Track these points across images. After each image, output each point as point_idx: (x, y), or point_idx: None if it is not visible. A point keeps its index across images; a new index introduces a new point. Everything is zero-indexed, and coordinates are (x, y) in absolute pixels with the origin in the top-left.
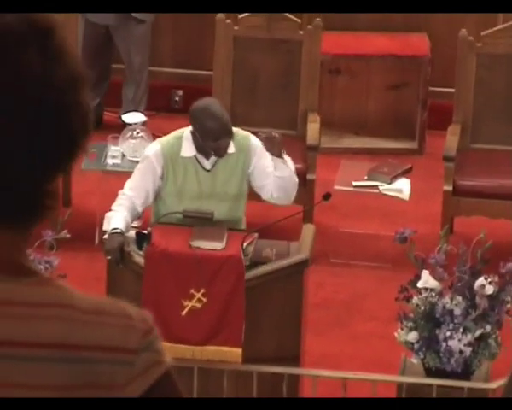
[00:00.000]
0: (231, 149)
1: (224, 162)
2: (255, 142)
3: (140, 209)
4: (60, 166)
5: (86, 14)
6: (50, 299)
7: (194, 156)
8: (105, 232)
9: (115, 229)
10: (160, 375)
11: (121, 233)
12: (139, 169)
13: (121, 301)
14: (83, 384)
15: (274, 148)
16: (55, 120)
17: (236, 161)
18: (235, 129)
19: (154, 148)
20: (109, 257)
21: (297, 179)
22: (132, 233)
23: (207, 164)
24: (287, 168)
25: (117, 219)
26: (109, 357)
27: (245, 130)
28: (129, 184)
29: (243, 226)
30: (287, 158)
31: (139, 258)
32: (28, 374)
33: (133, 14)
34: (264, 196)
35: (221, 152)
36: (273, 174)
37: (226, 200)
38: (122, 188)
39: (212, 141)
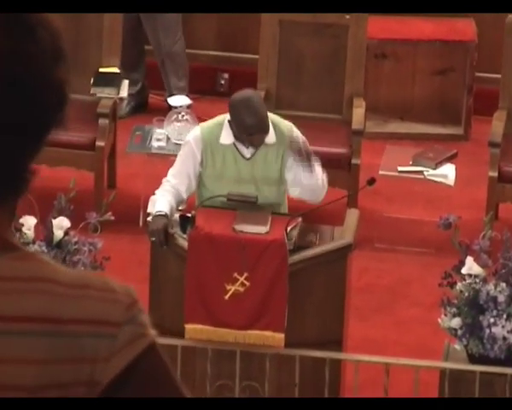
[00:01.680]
0: (272, 139)
1: (264, 152)
2: (297, 135)
3: (185, 196)
4: (36, 140)
5: None
6: (33, 273)
7: (233, 144)
8: (149, 215)
9: (160, 211)
10: (144, 348)
11: (165, 216)
12: (180, 155)
13: (104, 276)
14: (65, 358)
15: (303, 157)
16: (26, 94)
17: (277, 152)
18: (278, 119)
19: (194, 133)
20: (153, 239)
21: (326, 181)
22: (176, 216)
23: (247, 152)
24: (313, 177)
25: (162, 202)
26: (92, 330)
27: (290, 114)
28: (171, 171)
29: (285, 211)
30: (315, 164)
31: (183, 241)
32: (10, 348)
33: None
34: (291, 193)
35: (255, 146)
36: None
37: (266, 184)
38: (166, 171)
39: (246, 135)
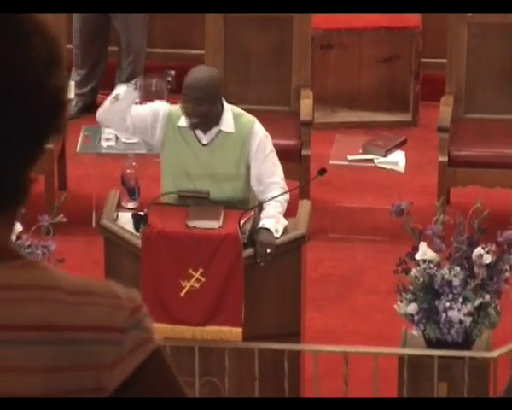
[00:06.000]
0: (230, 127)
1: (221, 139)
2: (258, 129)
3: (129, 123)
4: (34, 148)
5: None
6: (36, 281)
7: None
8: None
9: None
10: (150, 353)
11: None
12: (149, 106)
13: (108, 281)
14: (71, 366)
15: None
16: (21, 102)
17: (235, 142)
18: (241, 111)
19: (164, 108)
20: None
21: (285, 204)
22: (129, 215)
23: (204, 138)
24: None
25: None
26: (97, 337)
27: (239, 108)
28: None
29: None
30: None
31: (136, 240)
32: (15, 357)
33: None
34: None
35: (188, 117)
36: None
37: (221, 179)
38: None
39: (182, 101)
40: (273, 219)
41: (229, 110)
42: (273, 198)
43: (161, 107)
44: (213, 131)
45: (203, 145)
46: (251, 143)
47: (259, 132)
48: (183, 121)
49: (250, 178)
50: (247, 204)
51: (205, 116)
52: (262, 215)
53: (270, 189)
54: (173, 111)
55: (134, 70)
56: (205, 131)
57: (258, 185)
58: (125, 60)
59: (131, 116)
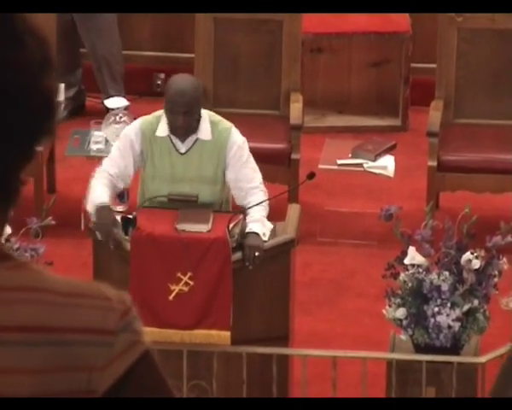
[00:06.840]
0: (207, 135)
1: (199, 148)
2: (235, 137)
3: (121, 187)
4: (25, 150)
5: None
6: (27, 283)
7: (169, 137)
8: (89, 216)
9: (103, 203)
10: (139, 355)
11: (111, 209)
12: (118, 147)
13: (99, 283)
14: (61, 367)
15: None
16: (14, 103)
17: (212, 149)
18: (218, 118)
19: (134, 126)
20: (99, 234)
21: (267, 209)
22: (118, 218)
23: (182, 147)
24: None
25: (101, 194)
26: (88, 339)
27: (228, 111)
28: (108, 161)
29: (228, 209)
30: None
31: (125, 243)
32: (5, 358)
33: None
34: (236, 201)
35: (176, 129)
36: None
37: (200, 182)
38: None
39: (169, 113)
40: (259, 223)
41: (207, 117)
42: (258, 204)
43: (128, 134)
44: (191, 139)
45: (181, 154)
46: (227, 150)
47: (237, 140)
48: (160, 131)
49: (228, 183)
50: (222, 205)
51: (192, 125)
52: (247, 220)
53: (250, 193)
54: (145, 124)
55: (103, 79)
56: (183, 139)
57: (238, 191)
58: (94, 64)
59: (113, 175)
